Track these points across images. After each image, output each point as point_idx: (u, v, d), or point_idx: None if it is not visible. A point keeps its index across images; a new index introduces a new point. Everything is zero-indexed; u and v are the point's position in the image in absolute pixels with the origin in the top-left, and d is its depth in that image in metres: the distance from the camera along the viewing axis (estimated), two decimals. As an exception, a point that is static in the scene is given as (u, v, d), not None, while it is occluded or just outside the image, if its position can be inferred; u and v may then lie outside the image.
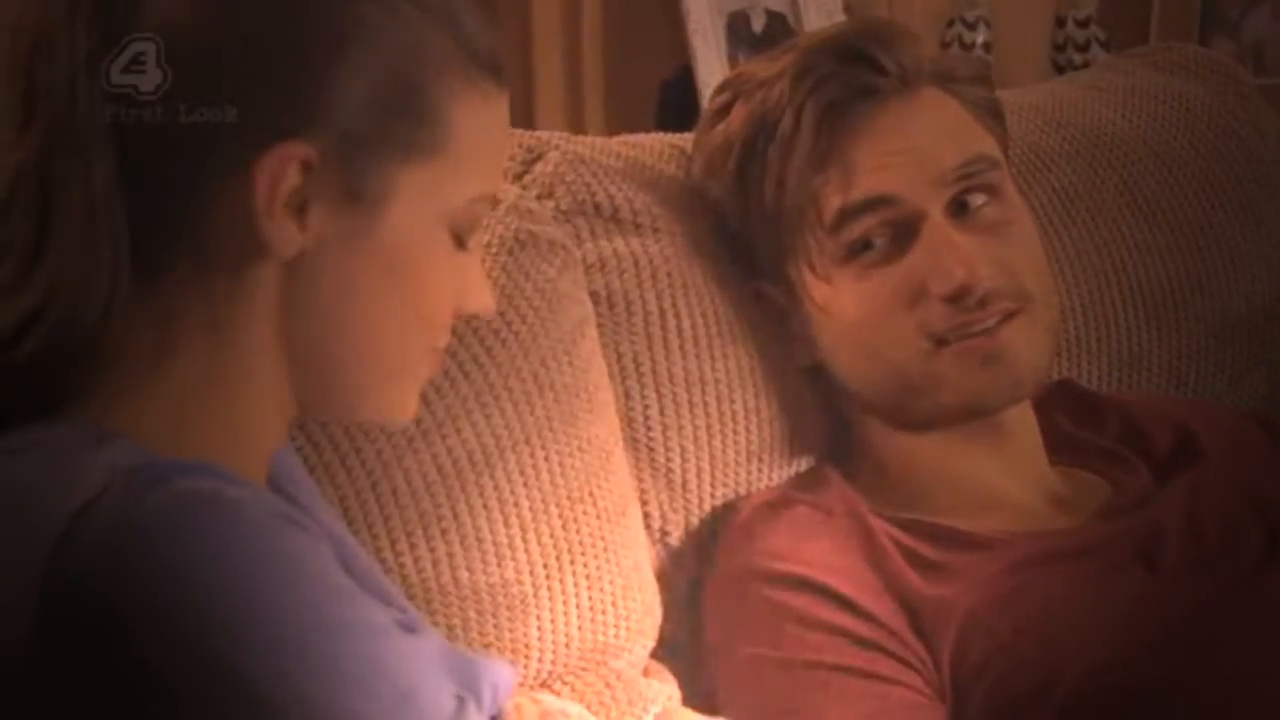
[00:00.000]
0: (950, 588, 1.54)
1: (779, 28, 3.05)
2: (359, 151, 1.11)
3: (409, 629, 1.15)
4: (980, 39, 3.08)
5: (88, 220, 1.08)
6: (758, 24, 3.04)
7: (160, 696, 0.99)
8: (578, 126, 2.96)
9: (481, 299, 1.24)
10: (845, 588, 1.55)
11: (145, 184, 1.10)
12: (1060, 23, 3.11)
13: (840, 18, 3.01)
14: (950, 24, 3.08)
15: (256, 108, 1.09)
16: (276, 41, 1.09)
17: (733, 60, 3.00)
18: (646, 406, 1.65)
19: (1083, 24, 3.08)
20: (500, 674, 1.18)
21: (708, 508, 1.67)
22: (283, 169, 1.09)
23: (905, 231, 1.61)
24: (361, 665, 1.03)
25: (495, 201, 1.23)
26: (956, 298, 1.58)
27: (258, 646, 0.99)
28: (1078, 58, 3.05)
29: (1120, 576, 1.57)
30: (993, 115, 1.72)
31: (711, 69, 2.97)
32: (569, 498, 1.53)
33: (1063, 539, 1.60)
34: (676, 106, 3.02)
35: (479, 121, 1.17)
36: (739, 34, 3.02)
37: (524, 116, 2.90)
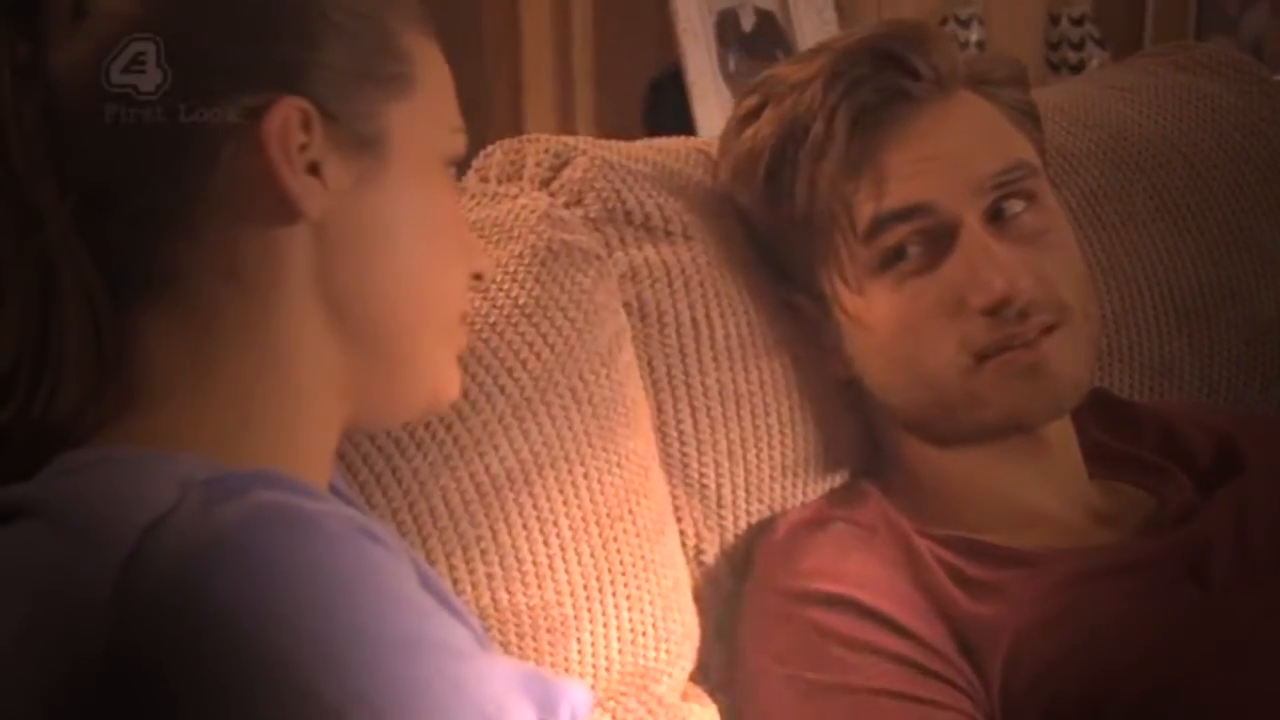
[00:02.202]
0: (997, 607, 1.49)
1: (768, 26, 3.01)
2: (350, 96, 1.12)
3: (485, 648, 1.11)
4: (974, 37, 3.04)
5: (45, 282, 1.07)
6: (747, 23, 3.00)
7: (236, 717, 0.94)
8: (568, 126, 2.92)
9: (485, 258, 1.30)
10: (890, 608, 1.49)
11: (146, 189, 1.09)
12: (1054, 20, 3.08)
13: (831, 15, 2.99)
14: (943, 22, 3.04)
15: (246, 84, 1.09)
16: (265, 16, 1.11)
17: (722, 59, 2.96)
18: (680, 420, 1.60)
19: (1077, 22, 3.04)
20: (577, 694, 1.13)
21: (743, 525, 1.62)
22: (286, 126, 1.09)
23: (941, 240, 1.55)
24: (446, 686, 0.99)
25: (463, 135, 1.23)
26: (996, 309, 1.53)
27: (339, 666, 0.95)
28: (1073, 56, 3.02)
29: (1170, 593, 1.52)
30: (1030, 119, 1.67)
31: (701, 68, 2.93)
32: (608, 516, 1.48)
33: (1110, 555, 1.55)
34: (665, 108, 2.98)
35: (431, 53, 1.19)
36: (728, 33, 2.98)
37: (514, 117, 2.86)
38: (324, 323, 1.13)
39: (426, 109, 1.18)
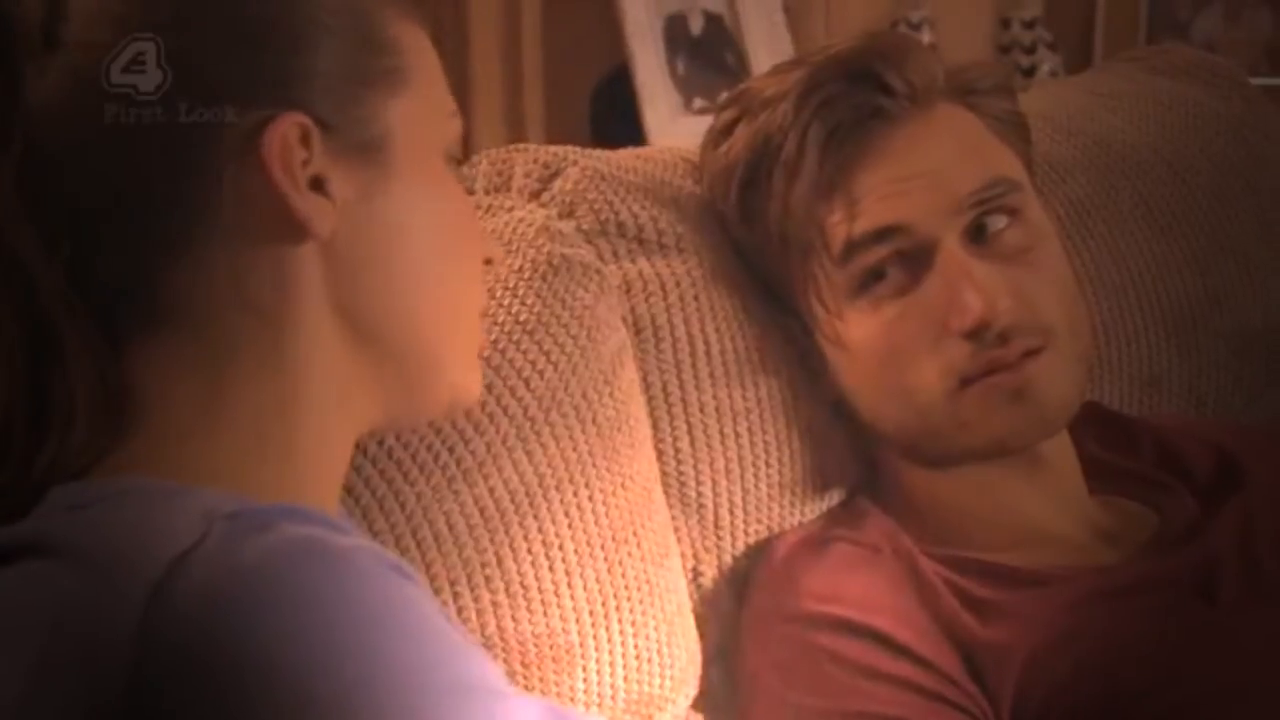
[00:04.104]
0: (1008, 631, 1.45)
1: (717, 29, 2.98)
2: (346, 102, 1.08)
3: None
4: (924, 41, 3.01)
5: (38, 339, 1.03)
6: (696, 26, 2.97)
7: None
8: (516, 128, 2.88)
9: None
10: (897, 632, 1.45)
11: (146, 213, 1.05)
12: (1005, 24, 3.05)
13: (780, 18, 2.96)
14: (893, 25, 3.01)
15: (243, 95, 1.05)
16: (244, 26, 1.06)
17: (671, 64, 2.92)
18: (676, 439, 1.55)
19: (1028, 25, 3.02)
20: None
21: (741, 545, 1.57)
22: (286, 143, 1.04)
23: (919, 261, 1.51)
24: None
25: (459, 118, 1.20)
26: (976, 333, 1.48)
27: (377, 708, 0.91)
28: (1024, 60, 3.00)
29: (1181, 612, 1.49)
30: (1015, 129, 1.62)
31: (650, 72, 2.89)
32: (614, 539, 1.44)
33: (1119, 574, 1.52)
34: (613, 112, 2.94)
35: (419, 38, 1.15)
36: (677, 37, 2.95)
37: (463, 119, 2.80)
38: (340, 340, 1.10)
39: (423, 100, 1.14)
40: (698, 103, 2.92)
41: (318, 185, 1.06)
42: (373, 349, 1.11)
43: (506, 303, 1.44)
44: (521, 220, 1.50)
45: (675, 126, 2.87)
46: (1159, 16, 3.00)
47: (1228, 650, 1.46)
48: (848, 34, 1.66)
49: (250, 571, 0.92)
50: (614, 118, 2.91)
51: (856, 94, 1.53)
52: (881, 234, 1.51)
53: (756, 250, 1.60)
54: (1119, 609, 1.48)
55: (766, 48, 2.94)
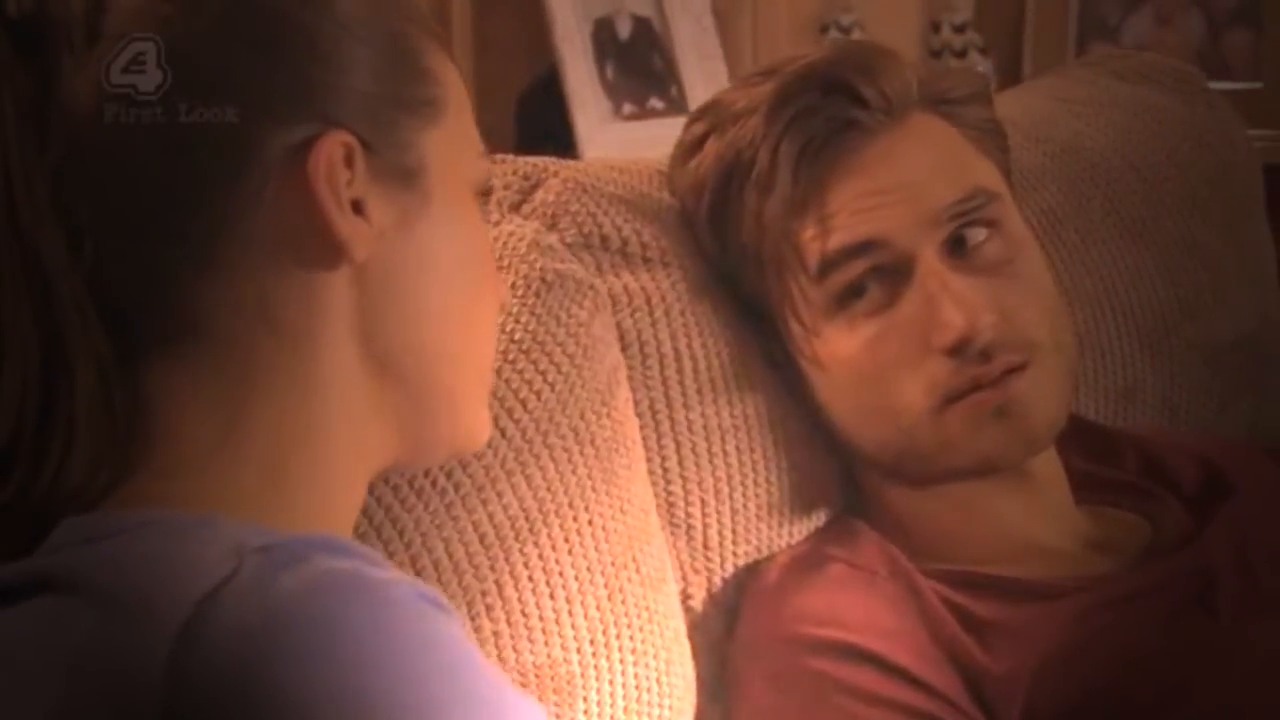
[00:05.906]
0: (1011, 653, 1.42)
1: (644, 34, 2.94)
2: (387, 125, 1.05)
3: None
4: (859, 46, 2.98)
5: (48, 345, 0.99)
6: (623, 30, 2.92)
7: None
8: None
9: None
10: (899, 657, 1.42)
11: (175, 226, 1.01)
12: (935, 28, 3.04)
13: (709, 21, 2.92)
14: (824, 29, 2.98)
15: (285, 112, 1.02)
16: (283, 36, 1.02)
17: (600, 68, 2.88)
18: (664, 458, 1.51)
19: (959, 29, 3.00)
20: None
21: (730, 567, 1.53)
22: (333, 163, 1.01)
23: (897, 276, 1.48)
24: None
25: (487, 160, 1.18)
26: (957, 349, 1.45)
27: None
28: (956, 64, 2.98)
29: (1183, 621, 1.46)
30: (993, 138, 1.60)
31: (580, 77, 2.85)
32: (613, 564, 1.39)
33: (1118, 584, 1.49)
34: (540, 119, 2.90)
35: (452, 72, 1.13)
36: (605, 42, 2.90)
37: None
38: (361, 369, 1.06)
39: (458, 135, 1.12)
40: (627, 108, 2.87)
41: (358, 208, 1.03)
42: (392, 381, 1.08)
43: (500, 321, 1.39)
44: (511, 234, 1.45)
45: (605, 133, 2.82)
46: (1089, 20, 2.99)
47: (1231, 666, 1.44)
48: (776, 37, 1.63)
49: (286, 608, 0.88)
50: (542, 123, 2.87)
51: (829, 106, 1.49)
52: (858, 249, 1.47)
53: (732, 267, 1.56)
54: (1121, 620, 1.45)
55: (695, 51, 2.91)
